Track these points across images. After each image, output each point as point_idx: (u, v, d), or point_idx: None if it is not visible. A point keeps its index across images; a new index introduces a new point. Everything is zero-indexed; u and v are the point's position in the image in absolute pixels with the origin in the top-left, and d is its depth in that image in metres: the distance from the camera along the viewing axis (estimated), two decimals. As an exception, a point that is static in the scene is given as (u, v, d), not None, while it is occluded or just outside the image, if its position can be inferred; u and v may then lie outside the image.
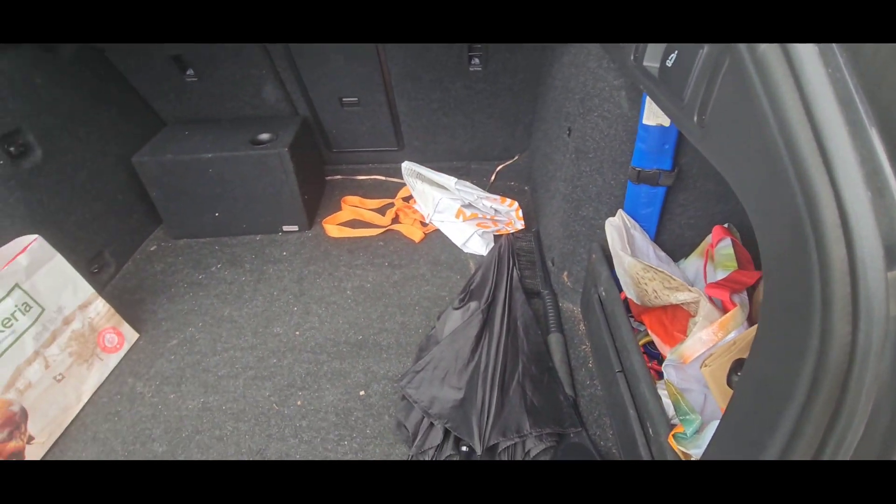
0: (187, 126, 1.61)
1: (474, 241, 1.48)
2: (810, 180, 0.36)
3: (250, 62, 1.51)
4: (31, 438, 1.01)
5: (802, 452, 0.40)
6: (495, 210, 1.50)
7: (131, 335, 1.26)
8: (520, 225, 1.51)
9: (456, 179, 1.50)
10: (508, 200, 1.50)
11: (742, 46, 0.43)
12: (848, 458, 0.38)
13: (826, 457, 0.39)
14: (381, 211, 1.67)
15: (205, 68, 1.52)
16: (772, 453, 0.44)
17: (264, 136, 1.52)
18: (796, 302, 0.40)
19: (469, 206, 1.50)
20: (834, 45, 0.41)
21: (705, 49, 0.55)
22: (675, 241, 1.07)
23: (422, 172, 1.60)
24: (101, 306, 1.18)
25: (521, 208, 1.52)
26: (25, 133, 1.24)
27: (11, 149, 1.20)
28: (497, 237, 1.50)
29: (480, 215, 1.50)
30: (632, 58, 0.77)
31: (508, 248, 1.41)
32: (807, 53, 0.38)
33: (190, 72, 1.54)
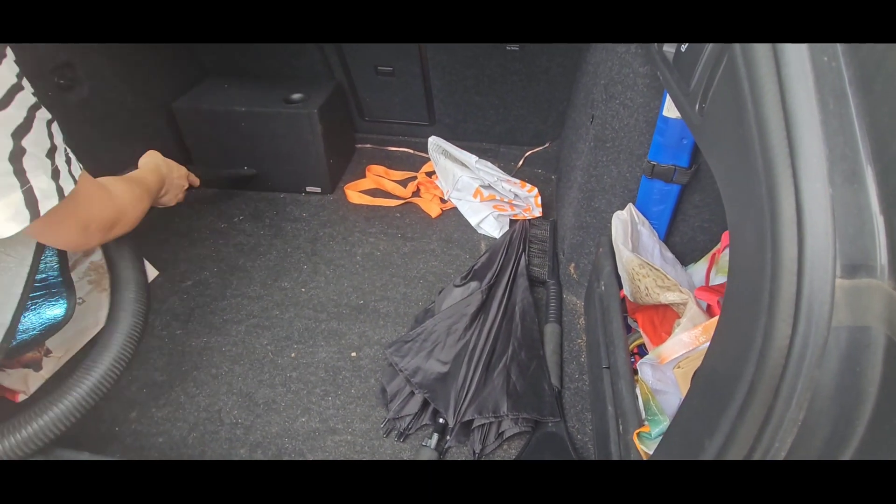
0: (228, 79, 1.67)
1: (488, 223, 1.47)
2: (774, 171, 0.34)
3: (292, 22, 1.53)
4: (48, 352, 1.10)
5: (735, 455, 0.39)
6: (514, 194, 1.48)
7: (151, 272, 1.33)
8: (537, 212, 1.48)
9: (477, 158, 1.49)
10: (528, 186, 1.47)
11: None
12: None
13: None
14: (404, 183, 1.68)
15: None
16: (709, 454, 0.42)
17: (297, 96, 1.55)
18: (750, 300, 0.38)
19: (488, 186, 1.49)
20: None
21: (715, 36, 0.53)
22: (686, 244, 1.02)
23: (447, 149, 1.60)
24: (120, 242, 1.25)
25: (543, 197, 1.50)
26: (76, 67, 1.31)
27: (61, 81, 1.27)
28: (513, 222, 1.48)
29: (498, 197, 1.48)
30: (655, 43, 0.74)
31: (521, 234, 1.39)
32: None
33: (235, 26, 1.58)
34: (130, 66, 1.46)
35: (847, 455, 0.35)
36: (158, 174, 1.02)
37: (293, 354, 1.15)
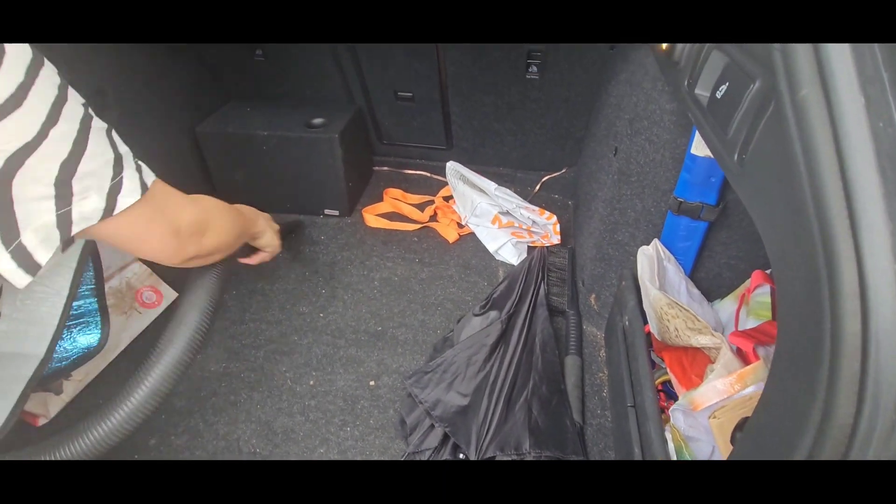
0: (250, 102, 1.69)
1: (507, 250, 1.47)
2: (833, 242, 0.34)
3: (315, 49, 1.56)
4: (69, 375, 1.10)
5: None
6: (533, 221, 1.48)
7: (170, 294, 1.34)
8: (556, 240, 1.48)
9: (496, 185, 1.49)
10: (547, 213, 1.47)
11: (784, 89, 0.40)
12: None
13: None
14: (421, 207, 1.68)
15: (272, 50, 1.59)
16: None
17: (318, 121, 1.57)
18: (804, 368, 0.37)
19: (507, 213, 1.49)
20: (890, 96, 0.37)
21: (756, 85, 0.52)
22: (712, 281, 1.01)
23: (465, 174, 1.60)
24: (137, 268, 1.26)
25: (561, 223, 1.49)
26: (107, 94, 1.34)
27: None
28: (531, 249, 1.48)
29: (516, 224, 1.48)
30: (685, 83, 0.74)
31: (540, 262, 1.38)
32: (850, 104, 0.35)
33: (259, 52, 1.61)
34: (157, 92, 1.49)
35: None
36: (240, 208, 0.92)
37: (312, 382, 1.15)
